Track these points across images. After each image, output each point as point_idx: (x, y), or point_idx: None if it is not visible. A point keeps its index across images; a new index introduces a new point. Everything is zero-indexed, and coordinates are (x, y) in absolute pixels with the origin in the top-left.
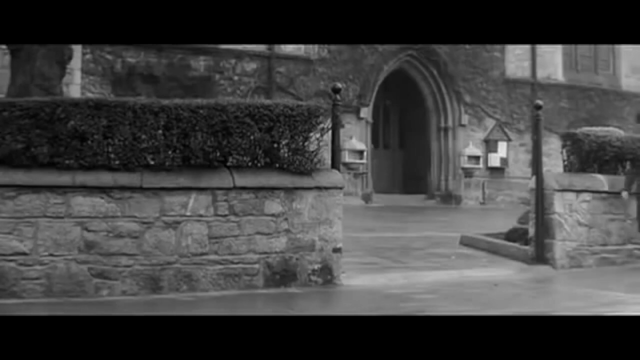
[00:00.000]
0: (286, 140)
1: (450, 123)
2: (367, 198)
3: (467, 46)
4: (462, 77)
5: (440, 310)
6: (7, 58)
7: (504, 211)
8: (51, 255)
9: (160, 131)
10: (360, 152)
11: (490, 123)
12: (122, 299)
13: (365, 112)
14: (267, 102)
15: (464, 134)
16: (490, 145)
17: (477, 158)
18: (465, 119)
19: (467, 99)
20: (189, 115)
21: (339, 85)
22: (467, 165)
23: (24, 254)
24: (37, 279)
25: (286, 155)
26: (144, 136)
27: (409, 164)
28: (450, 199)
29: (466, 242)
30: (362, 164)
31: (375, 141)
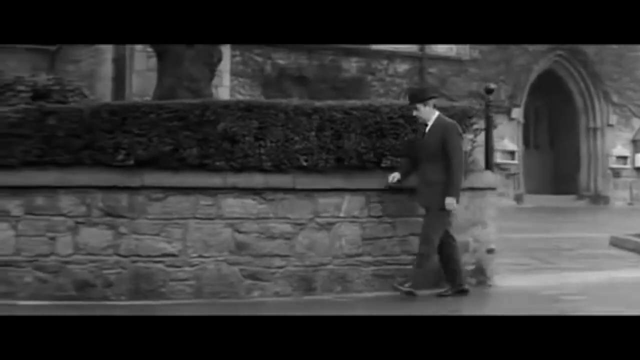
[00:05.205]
0: None
1: (598, 123)
2: (518, 199)
3: (615, 46)
4: (609, 76)
5: (593, 311)
6: (153, 61)
7: None
8: (201, 256)
9: (313, 133)
10: (512, 153)
11: (637, 123)
12: (275, 300)
13: (517, 113)
14: None
15: (612, 134)
16: (637, 145)
17: (624, 158)
18: (613, 119)
19: (615, 98)
20: (342, 117)
21: (492, 85)
22: (614, 166)
23: (173, 255)
24: (186, 280)
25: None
26: (296, 138)
27: (558, 164)
28: (598, 199)
29: (615, 242)
30: (514, 164)
31: (526, 141)
